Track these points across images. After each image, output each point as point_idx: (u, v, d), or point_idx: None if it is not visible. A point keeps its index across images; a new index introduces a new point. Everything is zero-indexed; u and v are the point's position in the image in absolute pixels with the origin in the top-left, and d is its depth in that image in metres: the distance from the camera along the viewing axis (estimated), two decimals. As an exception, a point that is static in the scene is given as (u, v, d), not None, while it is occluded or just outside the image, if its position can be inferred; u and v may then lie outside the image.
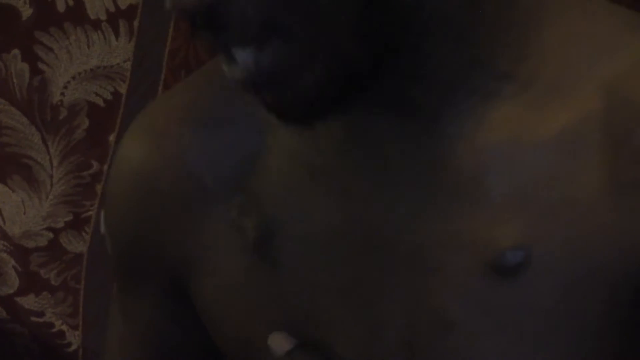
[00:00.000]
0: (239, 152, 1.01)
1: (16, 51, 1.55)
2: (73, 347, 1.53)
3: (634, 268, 0.88)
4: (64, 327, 1.53)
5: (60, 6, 1.52)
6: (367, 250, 0.95)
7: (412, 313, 0.94)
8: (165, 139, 1.02)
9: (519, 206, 0.91)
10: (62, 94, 1.53)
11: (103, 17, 1.50)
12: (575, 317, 0.91)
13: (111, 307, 1.21)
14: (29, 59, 1.55)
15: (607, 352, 0.92)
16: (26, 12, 1.54)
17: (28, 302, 1.55)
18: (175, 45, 1.50)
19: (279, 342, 0.90)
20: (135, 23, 1.50)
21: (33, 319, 1.55)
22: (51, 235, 1.53)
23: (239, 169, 1.01)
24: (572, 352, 0.92)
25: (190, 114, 1.03)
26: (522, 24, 0.93)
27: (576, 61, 0.91)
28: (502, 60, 0.91)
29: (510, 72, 0.91)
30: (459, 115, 0.92)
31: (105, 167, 1.50)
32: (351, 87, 0.86)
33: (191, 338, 1.10)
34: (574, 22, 0.93)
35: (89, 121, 1.51)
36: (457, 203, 0.91)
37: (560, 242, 0.89)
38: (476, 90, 0.91)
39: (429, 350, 0.93)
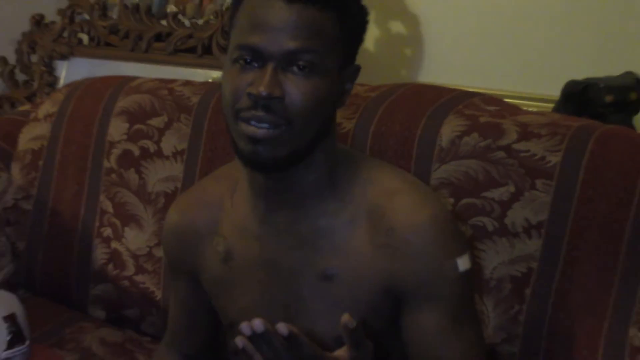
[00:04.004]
0: (215, 216, 1.10)
1: (132, 169, 1.57)
2: (158, 298, 1.54)
3: (390, 286, 0.99)
4: (154, 289, 1.55)
5: (151, 149, 1.56)
6: (268, 267, 1.05)
7: (288, 293, 1.04)
8: (184, 211, 1.15)
9: (332, 251, 1.01)
10: (153, 187, 1.55)
11: (170, 154, 1.53)
12: (360, 302, 1.00)
13: (168, 283, 1.42)
14: (138, 173, 1.57)
15: (377, 323, 1.01)
16: (136, 151, 1.57)
17: (138, 278, 1.57)
18: (202, 165, 1.49)
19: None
20: (185, 156, 1.52)
21: (140, 285, 1.57)
22: (148, 249, 1.56)
23: (216, 223, 1.10)
24: (359, 319, 0.97)
25: (197, 198, 1.14)
26: (343, 181, 1.01)
27: (360, 191, 1.01)
28: (332, 192, 1.01)
29: (333, 198, 1.01)
30: (310, 212, 1.01)
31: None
32: (290, 165, 0.96)
33: (206, 304, 1.16)
34: (360, 172, 1.02)
35: (164, 200, 1.53)
36: (308, 247, 1.02)
37: (350, 267, 1.00)
38: (317, 203, 1.01)
39: (295, 309, 1.03)
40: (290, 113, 0.92)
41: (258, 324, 0.84)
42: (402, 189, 1.00)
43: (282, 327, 0.85)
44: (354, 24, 0.97)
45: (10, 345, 1.37)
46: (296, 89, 0.91)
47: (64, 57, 2.49)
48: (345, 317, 0.87)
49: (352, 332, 0.88)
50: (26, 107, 1.91)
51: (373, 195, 1.00)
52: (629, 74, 1.97)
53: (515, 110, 1.28)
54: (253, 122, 0.92)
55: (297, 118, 0.92)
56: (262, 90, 0.89)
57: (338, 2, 0.93)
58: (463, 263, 0.98)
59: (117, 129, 1.62)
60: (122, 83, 1.67)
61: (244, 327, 0.84)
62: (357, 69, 1.01)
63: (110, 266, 1.62)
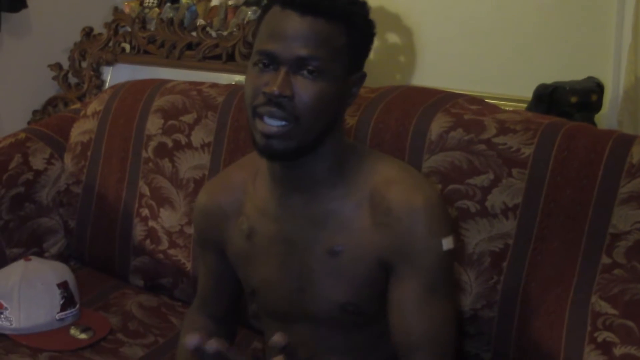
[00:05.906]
0: (239, 199, 1.08)
1: (167, 159, 1.54)
2: (188, 268, 1.52)
3: (383, 258, 0.97)
4: (185, 261, 1.53)
5: (183, 141, 1.53)
6: (285, 243, 1.03)
7: (301, 266, 1.02)
8: (211, 195, 1.12)
9: (339, 230, 0.99)
10: (185, 174, 1.52)
11: (199, 145, 1.51)
12: (360, 275, 0.99)
13: (197, 256, 1.39)
14: (171, 162, 1.54)
15: (373, 294, 1.00)
16: (170, 143, 1.54)
17: (171, 251, 1.55)
18: (226, 156, 1.47)
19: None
20: (211, 148, 1.49)
21: (173, 257, 1.55)
22: (180, 227, 1.54)
23: (240, 205, 1.08)
24: (359, 289, 0.99)
25: (224, 183, 1.12)
26: (349, 170, 0.99)
27: (363, 178, 0.99)
28: (340, 180, 0.99)
29: (341, 185, 0.99)
30: (321, 196, 0.99)
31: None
32: (300, 156, 0.95)
33: (231, 273, 1.14)
34: (364, 163, 1.00)
35: (193, 185, 1.51)
36: (319, 227, 1.00)
37: (354, 244, 0.98)
38: (327, 188, 0.99)
39: (306, 280, 1.01)
40: (298, 111, 0.91)
41: (191, 342, 0.76)
42: (399, 176, 0.99)
43: (210, 344, 0.76)
44: (360, 35, 0.95)
45: (63, 308, 1.38)
46: (304, 90, 0.90)
47: (109, 63, 2.52)
48: (277, 337, 0.80)
49: (283, 349, 0.80)
50: (77, 105, 1.91)
51: (375, 182, 0.99)
52: (590, 78, 1.97)
53: (494, 109, 1.27)
54: (266, 118, 0.91)
55: (304, 115, 0.91)
56: (275, 89, 0.89)
57: (345, 15, 0.92)
58: (447, 243, 0.96)
59: (153, 124, 1.60)
60: (158, 85, 1.66)
61: (188, 342, 0.77)
62: (363, 76, 0.98)
63: (148, 241, 1.60)
